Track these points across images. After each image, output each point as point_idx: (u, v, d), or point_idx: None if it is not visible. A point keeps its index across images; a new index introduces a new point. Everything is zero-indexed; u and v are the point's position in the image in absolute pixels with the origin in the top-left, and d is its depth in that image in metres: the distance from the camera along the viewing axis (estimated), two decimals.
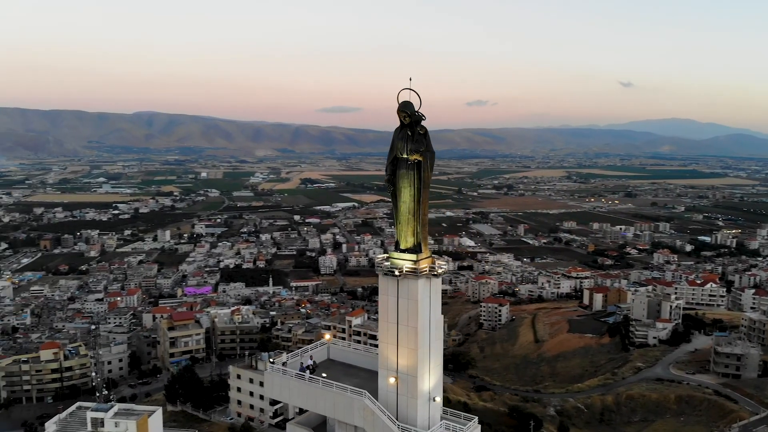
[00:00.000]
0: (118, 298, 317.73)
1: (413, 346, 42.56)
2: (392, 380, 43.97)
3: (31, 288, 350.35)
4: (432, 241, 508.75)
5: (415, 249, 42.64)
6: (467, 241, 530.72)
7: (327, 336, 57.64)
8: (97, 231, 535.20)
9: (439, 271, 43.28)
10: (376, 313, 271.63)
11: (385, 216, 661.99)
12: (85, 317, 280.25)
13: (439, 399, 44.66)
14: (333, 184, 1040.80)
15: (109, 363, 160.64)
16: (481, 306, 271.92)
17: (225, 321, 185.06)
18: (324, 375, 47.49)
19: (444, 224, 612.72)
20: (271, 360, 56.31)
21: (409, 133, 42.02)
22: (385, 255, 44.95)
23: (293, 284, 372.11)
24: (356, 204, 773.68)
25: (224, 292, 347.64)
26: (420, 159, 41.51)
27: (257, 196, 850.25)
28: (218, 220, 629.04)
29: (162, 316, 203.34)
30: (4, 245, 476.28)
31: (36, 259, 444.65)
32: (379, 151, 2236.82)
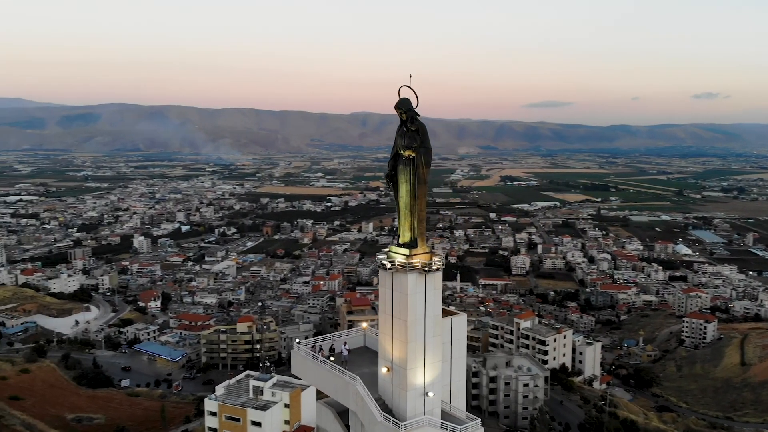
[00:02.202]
0: (321, 282, 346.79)
1: (404, 339, 43.12)
2: (384, 370, 45.12)
3: (251, 268, 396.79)
4: (641, 247, 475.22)
5: (412, 244, 43.24)
6: (683, 249, 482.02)
7: (364, 324, 59.27)
8: (311, 221, 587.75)
9: (434, 267, 43.10)
10: (562, 319, 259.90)
11: (589, 217, 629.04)
12: (291, 297, 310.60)
13: (432, 394, 44.16)
14: (534, 182, 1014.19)
15: (296, 339, 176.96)
16: (684, 321, 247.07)
17: None
18: (345, 359, 49.50)
19: (658, 229, 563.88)
20: (298, 341, 58.12)
21: (404, 129, 42.95)
22: (387, 249, 46.20)
23: (482, 282, 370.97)
24: (558, 203, 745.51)
25: None
26: (413, 155, 42.21)
27: (455, 193, 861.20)
28: None
29: (345, 301, 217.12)
30: (234, 229, 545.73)
31: (258, 243, 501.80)
32: (590, 148, 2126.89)
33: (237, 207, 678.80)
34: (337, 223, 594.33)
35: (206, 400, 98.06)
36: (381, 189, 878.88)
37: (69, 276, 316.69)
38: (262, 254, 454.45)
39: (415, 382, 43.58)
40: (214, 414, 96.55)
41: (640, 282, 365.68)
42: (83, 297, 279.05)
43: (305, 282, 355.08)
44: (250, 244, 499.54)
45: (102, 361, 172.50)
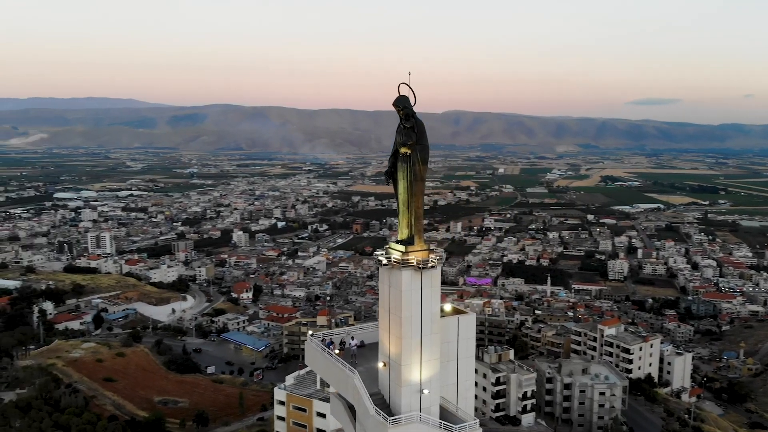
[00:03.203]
0: None
1: (399, 335, 43.08)
2: (381, 365, 45.30)
3: (340, 264, 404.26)
4: (750, 254, 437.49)
5: (409, 241, 42.57)
6: None
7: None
8: None
9: (430, 265, 42.16)
10: (658, 327, 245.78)
11: (694, 221, 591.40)
12: (376, 294, 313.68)
13: (428, 392, 43.79)
14: (637, 183, 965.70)
15: (310, 332, 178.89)
16: None
17: (476, 311, 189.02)
18: (354, 353, 49.70)
19: None
20: (311, 333, 58.65)
21: (401, 127, 42.86)
22: (387, 246, 46.09)
23: (574, 286, 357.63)
24: (662, 206, 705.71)
25: (503, 286, 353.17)
26: (409, 152, 41.90)
27: (551, 193, 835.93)
28: (508, 215, 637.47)
29: None
30: (326, 226, 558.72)
31: (348, 240, 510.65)
32: (698, 147, 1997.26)
33: (330, 204, 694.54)
34: (425, 222, 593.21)
35: (275, 389, 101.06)
36: (472, 188, 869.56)
37: (168, 267, 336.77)
38: (351, 251, 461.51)
39: (410, 378, 43.52)
40: (282, 403, 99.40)
41: (747, 291, 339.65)
42: (181, 287, 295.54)
43: None
44: (340, 240, 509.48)
45: (191, 348, 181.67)
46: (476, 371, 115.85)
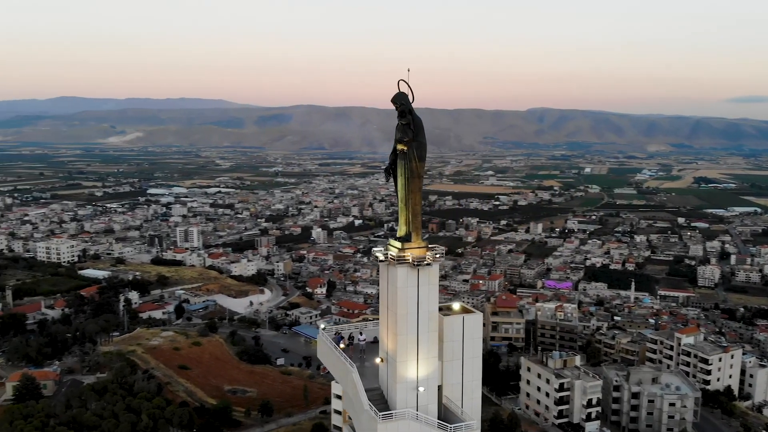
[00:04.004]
0: (481, 282, 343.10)
1: (395, 331, 43.09)
2: (378, 360, 45.95)
3: None
4: None
5: (406, 237, 41.75)
6: None
7: None
8: (477, 219, 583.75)
9: (426, 262, 41.54)
10: (747, 338, 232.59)
11: None
12: (448, 293, 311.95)
13: (423, 389, 43.37)
14: (733, 185, 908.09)
15: (322, 326, 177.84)
16: None
17: (547, 315, 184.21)
18: (362, 348, 50.47)
19: None
20: (323, 327, 59.13)
21: (400, 124, 43.48)
22: (387, 242, 46.22)
23: (660, 292, 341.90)
24: (759, 209, 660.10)
25: (584, 290, 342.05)
26: (405, 149, 42.12)
27: (640, 195, 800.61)
28: (593, 217, 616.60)
29: (490, 301, 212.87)
30: None
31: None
32: None
33: None
34: (503, 222, 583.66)
35: (333, 383, 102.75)
36: (555, 188, 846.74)
37: (248, 261, 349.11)
38: None
39: (405, 375, 43.34)
40: (339, 397, 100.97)
41: None
42: (259, 280, 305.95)
43: (464, 280, 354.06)
44: None
45: (264, 340, 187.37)
46: (539, 376, 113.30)
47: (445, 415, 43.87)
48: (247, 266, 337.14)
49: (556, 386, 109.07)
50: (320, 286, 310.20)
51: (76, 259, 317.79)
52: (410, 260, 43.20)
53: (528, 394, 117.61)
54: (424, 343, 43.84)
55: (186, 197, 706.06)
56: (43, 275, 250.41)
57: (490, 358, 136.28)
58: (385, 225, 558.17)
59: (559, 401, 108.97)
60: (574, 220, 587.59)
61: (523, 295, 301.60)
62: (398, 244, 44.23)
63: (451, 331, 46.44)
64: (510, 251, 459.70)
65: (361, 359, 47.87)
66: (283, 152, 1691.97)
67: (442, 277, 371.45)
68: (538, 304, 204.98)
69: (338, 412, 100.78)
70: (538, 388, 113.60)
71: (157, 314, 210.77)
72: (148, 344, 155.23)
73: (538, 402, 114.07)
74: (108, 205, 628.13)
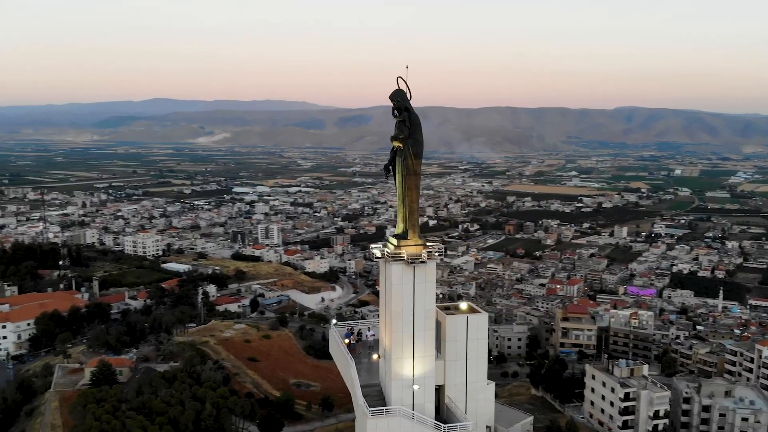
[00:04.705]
0: (558, 286, 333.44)
1: (391, 328, 43.02)
2: (375, 356, 46.78)
3: (488, 265, 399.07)
4: None
5: (403, 235, 40.37)
6: None
7: None
8: (557, 221, 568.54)
9: (421, 260, 39.84)
10: None
11: None
12: (522, 297, 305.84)
13: (417, 387, 42.68)
14: None
15: (509, 339, 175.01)
16: None
17: (621, 323, 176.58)
18: (370, 344, 50.75)
19: None
20: (335, 322, 59.54)
21: (396, 121, 43.21)
22: (386, 239, 46.04)
23: (751, 302, 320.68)
24: None
25: (668, 297, 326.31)
26: (401, 146, 41.89)
27: (733, 198, 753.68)
28: (682, 221, 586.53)
29: (563, 306, 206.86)
30: (477, 226, 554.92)
31: (499, 241, 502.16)
32: None
33: (483, 204, 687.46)
34: (586, 225, 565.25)
35: None
36: (643, 190, 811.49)
37: (321, 258, 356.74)
38: (501, 252, 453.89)
39: (401, 372, 42.69)
40: None
41: None
42: (331, 278, 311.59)
43: (541, 284, 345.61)
44: (491, 241, 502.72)
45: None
46: (604, 384, 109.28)
47: (446, 415, 43.40)
48: (320, 263, 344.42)
49: (621, 395, 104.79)
50: None
51: (160, 253, 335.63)
52: (405, 258, 43.11)
53: (592, 403, 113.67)
54: (419, 341, 43.40)
55: (269, 196, 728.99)
56: (129, 267, 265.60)
57: (555, 365, 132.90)
58: (460, 226, 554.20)
59: (624, 411, 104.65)
60: (662, 224, 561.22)
61: (602, 301, 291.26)
62: (393, 241, 44.32)
63: (454, 331, 45.67)
64: (592, 255, 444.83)
65: (369, 355, 48.23)
66: (361, 153, 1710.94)
67: (517, 281, 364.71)
68: (612, 311, 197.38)
69: None
70: (603, 397, 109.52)
71: (233, 307, 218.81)
72: (221, 336, 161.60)
73: (602, 411, 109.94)
74: (195, 203, 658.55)
